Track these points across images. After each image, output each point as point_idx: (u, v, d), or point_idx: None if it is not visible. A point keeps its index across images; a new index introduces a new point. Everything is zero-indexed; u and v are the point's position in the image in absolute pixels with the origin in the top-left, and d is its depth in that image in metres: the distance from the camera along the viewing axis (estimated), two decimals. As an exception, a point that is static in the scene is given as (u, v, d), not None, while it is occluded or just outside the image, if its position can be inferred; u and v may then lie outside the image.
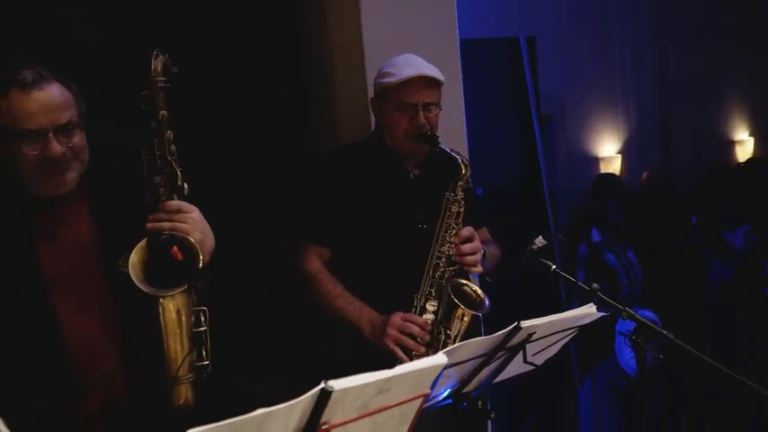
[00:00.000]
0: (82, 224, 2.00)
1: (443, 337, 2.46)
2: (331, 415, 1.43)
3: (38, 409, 1.87)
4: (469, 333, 2.50)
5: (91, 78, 2.00)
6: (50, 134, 1.86)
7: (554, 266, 2.39)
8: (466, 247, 2.51)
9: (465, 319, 2.48)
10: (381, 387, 1.49)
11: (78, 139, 1.93)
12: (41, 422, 1.87)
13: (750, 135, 9.76)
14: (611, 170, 8.02)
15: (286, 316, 2.78)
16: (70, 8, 2.59)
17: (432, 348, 2.45)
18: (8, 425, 1.82)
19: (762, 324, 4.49)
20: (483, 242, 2.68)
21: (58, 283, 1.93)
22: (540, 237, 2.43)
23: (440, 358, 1.62)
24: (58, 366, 1.90)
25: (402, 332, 2.43)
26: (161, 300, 1.86)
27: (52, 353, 1.89)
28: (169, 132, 1.93)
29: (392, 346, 2.43)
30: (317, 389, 1.37)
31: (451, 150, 2.55)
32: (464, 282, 2.54)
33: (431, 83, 2.58)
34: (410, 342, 2.43)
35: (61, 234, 1.97)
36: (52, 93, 1.88)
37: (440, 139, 2.58)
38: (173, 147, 1.94)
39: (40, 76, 1.88)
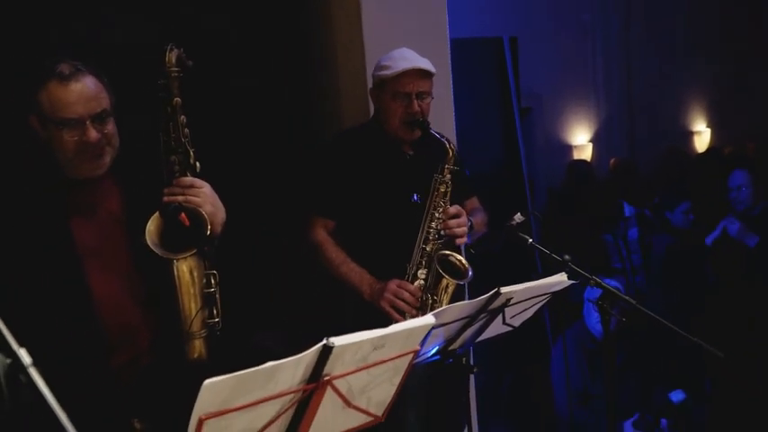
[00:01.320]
0: (112, 202, 2.00)
1: (431, 302, 2.47)
2: (332, 368, 1.43)
3: (72, 363, 1.87)
4: (455, 297, 2.51)
5: (115, 72, 1.97)
6: (87, 122, 1.86)
7: (530, 240, 2.40)
8: (452, 222, 2.51)
9: (450, 288, 2.49)
10: (377, 344, 1.50)
11: (111, 126, 1.92)
12: (77, 375, 1.87)
13: (707, 126, 9.76)
14: (582, 157, 8.02)
15: (293, 286, 2.77)
16: (98, 11, 2.57)
17: (421, 311, 2.47)
18: (46, 378, 1.84)
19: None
20: (473, 210, 2.71)
21: (91, 253, 1.93)
22: (519, 214, 2.43)
23: (428, 319, 1.63)
24: (90, 326, 1.90)
25: (396, 296, 2.45)
26: (175, 262, 1.88)
27: (85, 314, 1.89)
28: (183, 117, 1.94)
29: (387, 307, 2.45)
30: (320, 345, 1.37)
31: (441, 135, 2.54)
32: (450, 253, 2.54)
33: (423, 74, 2.57)
34: (403, 305, 2.44)
35: (93, 210, 1.97)
36: (88, 84, 1.87)
37: (431, 126, 2.57)
38: (186, 130, 1.94)
39: (77, 69, 1.87)
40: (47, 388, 0.84)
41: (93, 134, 1.86)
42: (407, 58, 2.57)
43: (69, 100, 1.83)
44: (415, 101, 2.55)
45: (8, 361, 0.84)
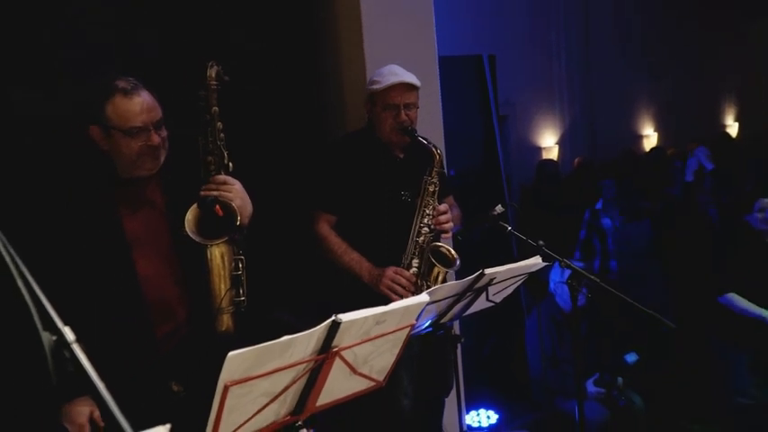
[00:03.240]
0: (155, 197, 1.98)
1: (425, 288, 2.42)
2: (340, 340, 1.41)
3: (120, 337, 1.87)
4: (444, 280, 2.47)
5: (158, 85, 1.95)
6: (151, 129, 1.86)
7: (509, 227, 2.36)
8: (442, 218, 2.47)
9: (440, 276, 2.45)
10: (379, 319, 1.47)
11: (164, 132, 1.92)
12: (124, 346, 1.87)
13: (654, 131, 9.81)
14: (550, 157, 8.01)
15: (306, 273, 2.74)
16: (142, 31, 2.52)
17: (416, 295, 2.42)
18: (98, 348, 1.82)
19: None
20: (450, 206, 2.65)
21: (137, 240, 1.91)
22: (499, 205, 2.40)
23: (423, 297, 1.61)
24: (136, 304, 1.89)
25: (394, 281, 2.40)
26: (209, 248, 1.88)
27: (132, 292, 1.88)
28: (219, 123, 1.95)
29: (386, 290, 2.40)
30: (330, 320, 1.34)
31: (428, 142, 2.49)
32: (440, 244, 2.50)
33: (410, 87, 2.51)
34: (400, 289, 2.40)
35: (140, 204, 1.95)
36: (146, 97, 1.87)
37: (420, 133, 2.52)
38: (222, 134, 1.95)
39: (135, 84, 1.87)
40: (89, 363, 0.79)
41: (156, 138, 1.87)
42: (396, 74, 2.51)
43: (135, 111, 1.83)
44: (403, 111, 2.49)
45: (54, 338, 0.79)
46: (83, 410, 1.87)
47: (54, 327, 0.82)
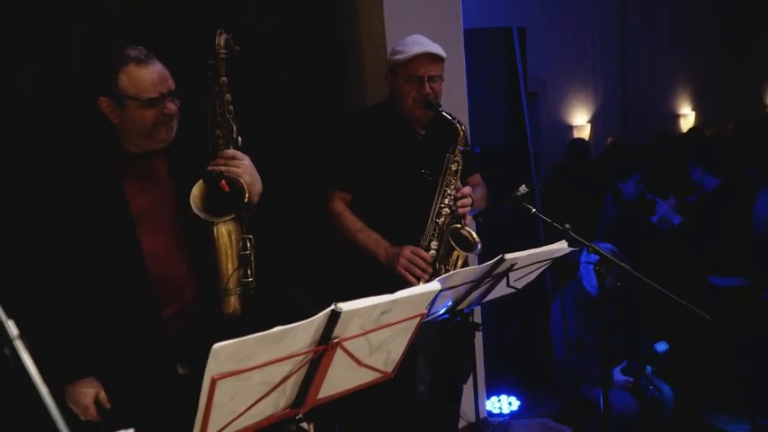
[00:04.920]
0: (162, 172, 1.91)
1: (444, 271, 2.29)
2: (342, 330, 1.30)
3: (127, 315, 1.81)
4: (464, 264, 2.35)
5: (168, 55, 1.86)
6: (167, 98, 1.79)
7: (534, 209, 2.22)
8: (462, 201, 2.34)
9: (460, 261, 2.32)
10: (385, 308, 1.36)
11: (178, 102, 1.84)
12: (131, 325, 1.81)
13: (692, 110, 9.52)
14: (582, 136, 7.79)
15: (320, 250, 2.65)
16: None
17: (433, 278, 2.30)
18: (101, 331, 1.76)
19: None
20: (475, 186, 2.53)
21: (142, 215, 1.84)
22: (524, 185, 2.25)
23: (434, 285, 1.50)
24: (142, 282, 1.82)
25: (411, 262, 2.28)
26: (215, 225, 1.82)
27: (137, 269, 1.81)
28: (228, 95, 1.88)
29: (403, 271, 2.28)
30: (328, 310, 1.23)
31: (452, 117, 2.34)
32: (462, 226, 2.36)
33: (435, 58, 2.36)
34: (416, 269, 2.27)
35: (146, 179, 1.88)
36: (160, 66, 1.81)
37: (444, 108, 2.38)
38: (231, 107, 1.88)
39: (147, 53, 1.80)
40: (32, 362, 0.68)
41: (172, 107, 1.80)
42: (420, 43, 2.37)
43: (152, 80, 1.76)
44: (427, 83, 2.35)
45: (-6, 333, 0.68)
46: (88, 391, 1.84)
47: (-4, 321, 0.71)
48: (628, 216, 4.53)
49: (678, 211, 4.08)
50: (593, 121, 8.13)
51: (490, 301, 2.13)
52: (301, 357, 1.25)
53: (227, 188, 1.78)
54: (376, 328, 1.34)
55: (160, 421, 1.72)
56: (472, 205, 2.39)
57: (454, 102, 2.83)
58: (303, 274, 2.60)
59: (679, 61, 9.02)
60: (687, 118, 9.40)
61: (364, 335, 1.32)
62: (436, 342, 2.40)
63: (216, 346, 1.09)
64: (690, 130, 8.19)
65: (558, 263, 2.19)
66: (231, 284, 1.84)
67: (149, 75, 1.76)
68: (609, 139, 7.33)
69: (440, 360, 2.48)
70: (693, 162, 4.06)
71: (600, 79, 8.17)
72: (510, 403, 3.67)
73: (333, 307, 1.23)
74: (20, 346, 0.72)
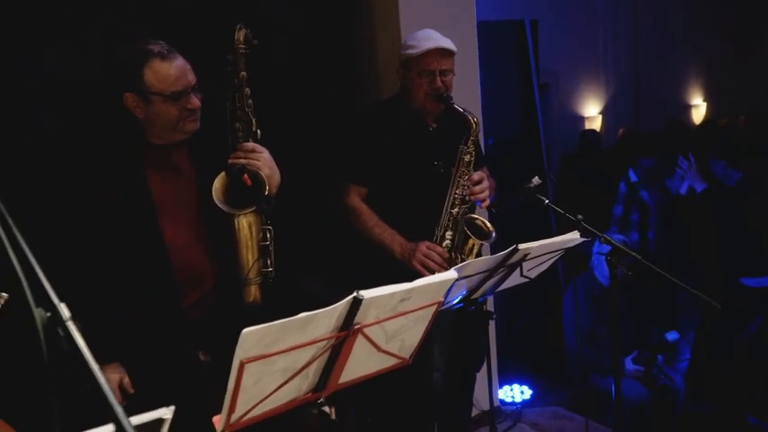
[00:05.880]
0: (184, 164, 1.94)
1: (459, 261, 2.33)
2: (363, 317, 1.34)
3: (149, 303, 1.85)
4: (478, 254, 2.38)
5: (188, 49, 1.89)
6: (191, 92, 1.82)
7: (546, 201, 2.25)
8: (477, 188, 2.37)
9: (475, 249, 2.36)
10: (404, 296, 1.40)
11: (200, 94, 1.87)
12: (153, 313, 1.85)
13: (703, 101, 9.43)
14: (593, 127, 7.77)
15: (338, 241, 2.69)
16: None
17: (449, 269, 2.34)
18: (124, 317, 1.81)
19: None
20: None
21: (164, 206, 1.88)
22: (537, 177, 2.28)
23: (451, 274, 1.53)
24: (163, 271, 1.86)
25: (426, 257, 2.32)
26: (236, 217, 1.84)
27: (159, 259, 1.85)
28: (247, 89, 1.90)
29: (418, 266, 2.32)
30: (351, 297, 1.27)
31: (464, 110, 2.38)
32: (476, 216, 2.41)
33: (446, 53, 2.39)
34: (432, 264, 2.31)
35: (168, 170, 1.92)
36: (182, 60, 1.83)
37: (457, 100, 2.41)
38: (250, 101, 1.90)
39: (169, 47, 1.82)
40: (84, 342, 0.73)
41: (196, 101, 1.83)
42: (431, 38, 2.39)
43: (176, 74, 1.79)
44: (439, 77, 2.38)
45: (48, 315, 0.74)
46: (112, 377, 1.87)
47: (49, 303, 0.76)
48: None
49: (702, 177, 3.93)
50: (604, 113, 8.10)
51: (503, 290, 2.17)
52: (324, 343, 1.30)
53: (249, 182, 1.81)
54: (395, 315, 1.39)
55: (182, 406, 1.77)
56: (488, 191, 2.42)
57: (467, 94, 2.85)
58: (317, 264, 2.65)
59: (691, 52, 8.94)
60: (699, 109, 9.32)
61: (384, 321, 1.37)
62: (451, 331, 2.44)
63: (245, 331, 1.13)
64: (704, 122, 8.13)
65: (569, 254, 2.22)
66: (252, 274, 1.87)
67: (173, 69, 1.79)
68: (620, 131, 7.30)
69: (454, 349, 2.51)
70: (716, 156, 3.99)
71: (611, 70, 8.13)
72: (522, 392, 3.70)
73: (355, 294, 1.27)
74: (72, 327, 0.76)
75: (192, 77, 1.83)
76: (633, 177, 4.65)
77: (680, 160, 3.96)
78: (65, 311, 0.77)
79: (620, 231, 4.55)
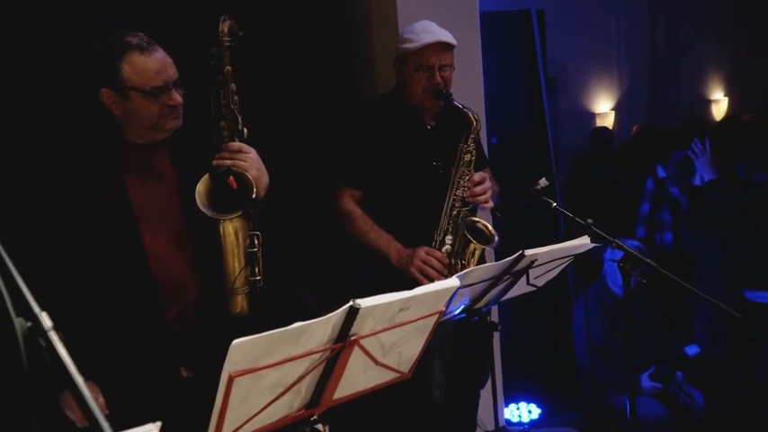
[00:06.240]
0: (164, 164, 1.96)
1: (459, 267, 2.37)
2: (359, 328, 1.37)
3: (128, 316, 1.87)
4: (481, 262, 2.42)
5: (171, 40, 1.92)
6: (171, 86, 1.83)
7: (554, 203, 2.28)
8: (478, 189, 2.41)
9: (477, 253, 2.39)
10: (403, 305, 1.43)
11: (182, 90, 1.89)
12: (132, 327, 1.87)
13: (725, 95, 9.47)
14: (605, 124, 7.81)
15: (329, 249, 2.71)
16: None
17: (450, 276, 2.36)
18: (101, 332, 1.82)
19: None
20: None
21: (145, 212, 1.90)
22: (544, 178, 2.32)
23: (453, 281, 1.56)
24: (143, 282, 1.88)
25: (425, 263, 2.36)
26: (222, 222, 1.86)
27: (139, 271, 1.87)
28: (233, 85, 1.91)
29: (417, 273, 2.36)
30: (347, 306, 1.30)
31: (463, 106, 2.42)
32: (477, 219, 2.44)
33: (446, 47, 2.44)
34: (432, 271, 2.35)
35: (147, 172, 1.93)
36: (163, 53, 1.85)
37: (458, 95, 2.46)
38: (236, 97, 1.91)
39: (149, 40, 1.84)
40: (66, 352, 0.76)
41: (177, 98, 1.84)
42: (430, 31, 2.43)
43: (156, 68, 1.80)
44: (438, 73, 2.42)
45: (28, 324, 0.76)
46: None
47: (30, 312, 0.79)
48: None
49: (715, 168, 3.92)
50: (617, 109, 8.13)
51: (508, 300, 2.20)
52: (318, 355, 1.32)
53: (235, 184, 1.82)
54: (393, 326, 1.42)
55: (162, 427, 1.78)
56: (490, 192, 2.45)
57: (469, 90, 2.88)
58: (308, 273, 2.68)
59: (711, 43, 8.98)
60: (719, 104, 9.37)
61: (382, 332, 1.39)
62: (452, 344, 2.47)
63: (235, 342, 1.16)
64: (726, 117, 8.17)
65: (580, 261, 2.25)
66: (238, 284, 1.89)
67: (153, 63, 1.80)
68: (634, 128, 7.34)
69: (456, 363, 2.54)
70: (740, 157, 4.00)
71: (625, 63, 8.16)
72: (530, 411, 3.72)
73: (351, 303, 1.30)
74: (54, 338, 0.79)
75: (173, 72, 1.84)
76: (662, 173, 4.67)
77: (694, 142, 3.96)
78: (46, 321, 0.80)
79: (647, 231, 4.58)
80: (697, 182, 4.12)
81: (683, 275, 2.18)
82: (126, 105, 1.83)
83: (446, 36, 2.44)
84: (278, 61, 2.78)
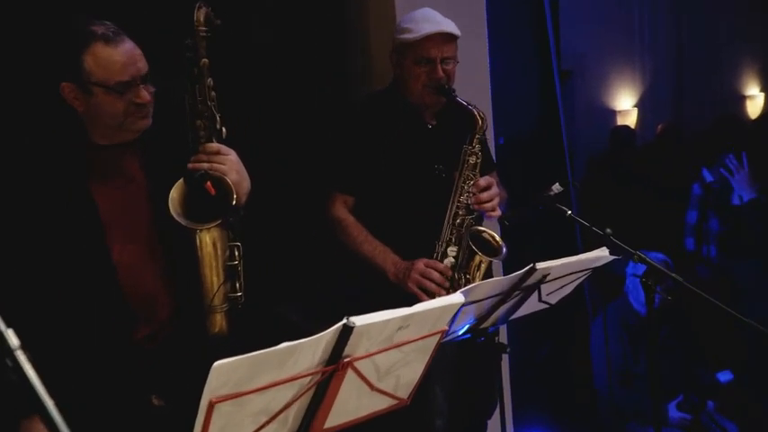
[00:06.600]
0: (134, 168, 1.98)
1: (463, 281, 2.40)
2: (353, 349, 1.39)
3: (91, 339, 1.88)
4: (487, 276, 2.44)
5: (140, 30, 1.93)
6: (139, 83, 1.84)
7: (569, 211, 2.31)
8: (484, 195, 2.44)
9: (483, 266, 2.42)
10: (402, 323, 1.45)
11: (152, 87, 1.90)
12: (98, 349, 1.89)
13: (761, 90, 9.50)
14: (627, 123, 7.85)
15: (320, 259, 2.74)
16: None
17: (452, 291, 2.39)
18: (64, 355, 1.84)
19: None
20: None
21: (113, 224, 1.91)
22: (557, 183, 2.35)
23: (457, 297, 1.58)
24: (110, 299, 1.89)
25: (425, 277, 2.38)
26: (198, 233, 1.87)
27: (106, 286, 1.89)
28: (210, 79, 1.92)
29: (415, 289, 2.38)
30: (340, 324, 1.32)
31: (468, 103, 2.45)
32: (483, 229, 2.48)
33: (448, 38, 2.47)
34: (432, 286, 2.37)
35: (116, 177, 1.95)
36: (131, 45, 1.86)
37: (462, 91, 2.49)
38: (213, 93, 1.92)
39: (116, 30, 1.85)
40: (34, 372, 0.79)
41: (145, 95, 1.85)
42: (431, 20, 2.47)
43: (121, 61, 1.81)
44: (440, 66, 2.45)
45: (-7, 343, 0.79)
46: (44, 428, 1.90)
47: (-7, 330, 0.82)
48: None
49: (753, 185, 3.98)
50: (640, 105, 8.17)
51: (518, 319, 2.22)
52: (308, 379, 1.35)
53: (213, 190, 1.83)
54: (391, 347, 1.44)
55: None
56: (498, 199, 2.47)
57: (474, 84, 2.92)
58: (295, 288, 2.70)
59: (745, 33, 9.04)
60: (755, 100, 9.41)
61: (378, 353, 1.42)
62: (456, 367, 2.49)
63: (217, 364, 1.18)
64: (762, 115, 8.22)
65: (599, 275, 2.28)
66: (217, 301, 1.90)
67: (120, 55, 1.81)
68: (659, 127, 7.39)
69: (460, 389, 2.57)
70: None
71: (648, 54, 8.20)
72: (543, 444, 3.75)
73: (345, 321, 1.32)
74: (22, 357, 0.82)
75: (142, 66, 1.86)
76: (709, 177, 4.69)
77: (728, 159, 4.00)
78: (13, 339, 0.83)
79: (697, 242, 4.59)
80: (735, 201, 4.15)
81: (724, 293, 2.19)
82: (89, 102, 1.84)
83: (449, 26, 2.47)
84: (261, 52, 2.81)
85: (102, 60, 1.81)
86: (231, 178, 1.87)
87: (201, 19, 1.90)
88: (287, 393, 1.35)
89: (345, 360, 1.38)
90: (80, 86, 1.83)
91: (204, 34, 1.91)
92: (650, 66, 8.22)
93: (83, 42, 1.81)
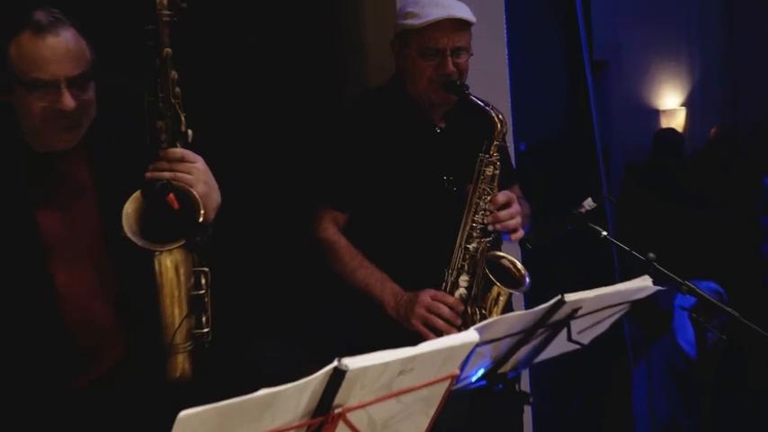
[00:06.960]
0: (81, 179, 1.99)
1: (478, 316, 2.40)
2: (346, 397, 1.38)
3: (34, 380, 1.89)
4: (506, 310, 2.44)
5: (91, 17, 1.95)
6: (63, 86, 1.84)
7: (605, 233, 2.32)
8: (503, 214, 2.44)
9: (501, 299, 2.42)
10: (404, 366, 1.44)
11: (91, 92, 1.91)
12: (38, 394, 1.89)
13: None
14: (673, 125, 7.89)
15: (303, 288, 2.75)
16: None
17: (464, 329, 2.39)
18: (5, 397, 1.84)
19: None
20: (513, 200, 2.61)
21: (57, 246, 1.93)
22: (590, 199, 2.35)
23: (471, 335, 1.58)
24: (55, 338, 1.90)
25: (431, 311, 2.38)
26: (157, 255, 1.85)
27: (49, 324, 1.90)
28: (174, 73, 1.92)
29: (420, 326, 2.38)
30: (330, 367, 1.32)
31: (484, 103, 2.46)
32: (501, 254, 2.48)
33: (460, 25, 2.47)
34: (440, 322, 2.37)
35: (59, 192, 1.97)
36: (67, 39, 1.86)
37: (476, 90, 2.49)
38: (177, 89, 1.92)
39: (56, 19, 1.86)
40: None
41: (68, 101, 1.84)
42: (440, 4, 2.47)
43: (44, 56, 1.82)
44: (450, 58, 2.46)
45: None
46: None
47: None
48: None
49: None
50: (688, 105, 8.23)
51: (543, 362, 2.22)
52: (291, 433, 1.35)
53: (176, 204, 1.83)
54: (391, 395, 1.43)
55: None
56: (520, 217, 2.47)
57: (491, 80, 2.93)
58: (274, 322, 2.70)
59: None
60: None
61: (375, 403, 1.41)
62: (469, 421, 2.49)
63: (183, 414, 1.17)
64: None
65: (642, 310, 2.27)
66: (179, 338, 1.89)
67: (42, 49, 1.82)
68: (713, 130, 7.43)
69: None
70: None
71: (697, 46, 8.27)
72: None
73: (335, 363, 1.32)
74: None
75: (73, 66, 1.85)
76: None
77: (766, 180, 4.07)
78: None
79: None
80: None
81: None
82: (13, 100, 1.87)
83: (461, 10, 2.48)
84: (238, 46, 2.83)
85: (25, 51, 1.83)
86: (198, 190, 1.88)
87: (165, 2, 1.90)
88: (265, 451, 1.35)
89: (336, 411, 1.37)
90: (6, 80, 1.85)
91: (168, 19, 1.91)
92: (699, 58, 8.27)
93: (13, 29, 1.84)
